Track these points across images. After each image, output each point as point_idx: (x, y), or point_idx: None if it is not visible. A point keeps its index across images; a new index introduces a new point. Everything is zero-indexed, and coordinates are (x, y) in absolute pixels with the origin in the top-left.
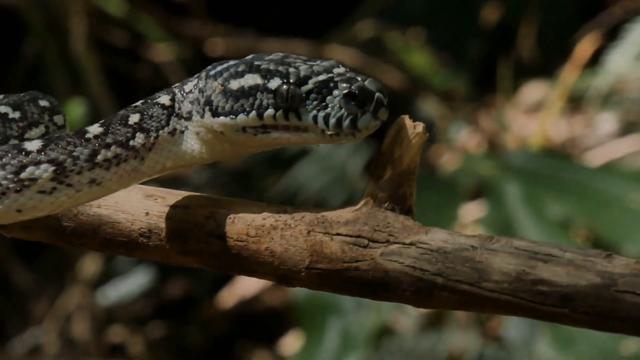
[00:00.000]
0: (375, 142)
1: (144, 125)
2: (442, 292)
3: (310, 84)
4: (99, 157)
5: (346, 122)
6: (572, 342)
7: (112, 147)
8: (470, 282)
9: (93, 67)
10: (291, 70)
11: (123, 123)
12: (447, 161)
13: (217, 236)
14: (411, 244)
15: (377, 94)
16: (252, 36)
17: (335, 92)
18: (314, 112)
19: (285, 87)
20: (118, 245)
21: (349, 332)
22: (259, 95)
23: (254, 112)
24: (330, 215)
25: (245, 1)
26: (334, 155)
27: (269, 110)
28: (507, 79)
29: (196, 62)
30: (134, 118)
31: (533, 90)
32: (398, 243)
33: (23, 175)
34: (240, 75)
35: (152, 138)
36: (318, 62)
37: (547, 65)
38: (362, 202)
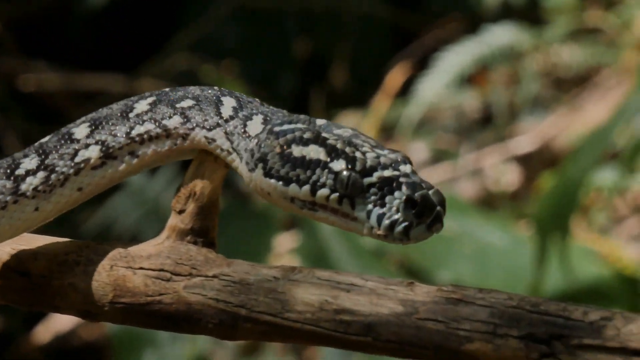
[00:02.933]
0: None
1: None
2: (245, 324)
3: (374, 177)
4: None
5: (399, 228)
6: None
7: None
8: (274, 313)
9: None
10: (358, 155)
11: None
12: None
13: (19, 273)
14: (214, 276)
15: (438, 208)
16: (66, 71)
17: (397, 194)
18: (370, 206)
19: (347, 173)
20: None
21: None
22: (318, 171)
23: (307, 187)
24: (133, 249)
25: (57, 36)
26: (147, 188)
27: (324, 190)
28: (320, 109)
29: (7, 97)
30: (187, 103)
31: (346, 120)
32: (201, 276)
33: None
34: (305, 143)
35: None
36: (386, 152)
37: (359, 95)
38: (164, 236)
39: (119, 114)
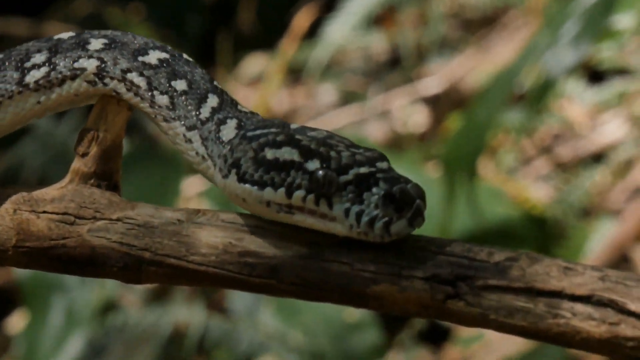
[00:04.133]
0: None
1: (176, 100)
2: (150, 267)
3: (350, 175)
4: None
5: (379, 224)
6: (296, 311)
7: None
8: (178, 256)
9: None
10: (332, 154)
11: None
12: None
13: None
14: (118, 219)
15: (418, 201)
16: None
17: (375, 190)
18: (347, 204)
19: (322, 172)
20: None
21: (74, 309)
22: (292, 172)
23: (282, 189)
24: (36, 193)
25: None
26: (55, 132)
27: (300, 191)
28: (227, 52)
29: None
30: (181, 84)
31: (253, 63)
32: (105, 219)
33: None
34: (278, 145)
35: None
36: (361, 150)
37: (267, 37)
38: (68, 179)
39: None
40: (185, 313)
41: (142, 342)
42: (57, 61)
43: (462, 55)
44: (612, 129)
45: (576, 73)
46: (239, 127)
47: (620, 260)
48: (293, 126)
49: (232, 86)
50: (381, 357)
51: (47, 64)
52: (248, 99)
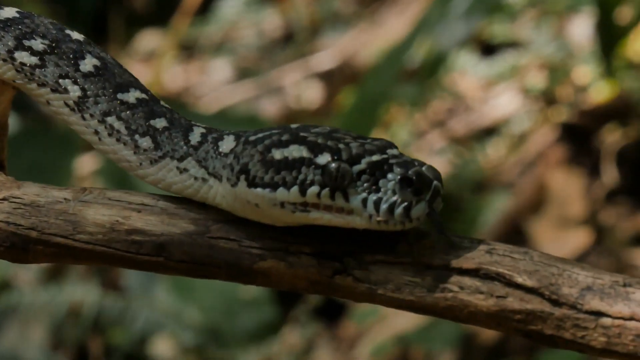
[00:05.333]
0: None
1: (158, 138)
2: (37, 246)
3: (363, 164)
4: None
5: (399, 210)
6: (192, 288)
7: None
8: (65, 234)
9: None
10: (342, 146)
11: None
12: None
13: None
14: (4, 199)
15: (435, 182)
16: None
17: (390, 176)
18: (364, 194)
19: (335, 164)
20: None
21: None
22: (304, 169)
23: (296, 188)
24: None
25: None
26: None
27: (314, 187)
28: (120, 29)
29: None
30: (160, 122)
31: (147, 40)
32: None
33: None
34: (284, 145)
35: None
36: (369, 140)
37: (159, 14)
38: None
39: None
40: (80, 291)
41: (37, 321)
42: None
43: (355, 30)
44: (504, 103)
45: (468, 47)
46: (238, 137)
47: (513, 233)
48: (293, 126)
49: (125, 63)
50: (276, 333)
51: None
52: (142, 75)
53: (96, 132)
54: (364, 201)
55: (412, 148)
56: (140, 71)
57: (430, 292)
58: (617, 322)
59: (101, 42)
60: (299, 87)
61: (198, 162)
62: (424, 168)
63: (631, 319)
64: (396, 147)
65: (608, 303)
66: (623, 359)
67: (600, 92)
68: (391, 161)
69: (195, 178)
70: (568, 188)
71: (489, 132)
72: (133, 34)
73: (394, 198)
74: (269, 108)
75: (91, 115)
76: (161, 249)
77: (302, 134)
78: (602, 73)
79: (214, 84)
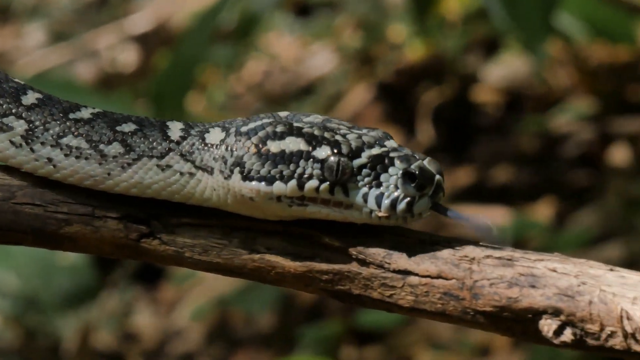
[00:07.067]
0: None
1: (129, 141)
2: None
3: (363, 158)
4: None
5: (401, 205)
6: (9, 254)
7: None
8: None
9: None
10: (339, 138)
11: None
12: None
13: None
14: None
15: (437, 177)
16: None
17: (392, 170)
18: (365, 189)
19: (335, 158)
20: None
21: None
22: (302, 162)
23: (294, 181)
24: None
25: None
26: None
27: (313, 181)
28: None
29: None
30: (128, 127)
31: None
32: None
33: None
34: (280, 136)
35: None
36: (365, 131)
37: None
38: None
39: None
40: None
41: None
42: None
43: None
44: (320, 63)
45: (284, 7)
46: (225, 128)
47: None
48: (283, 114)
49: None
50: (94, 297)
51: None
52: None
53: (49, 160)
54: (365, 196)
55: (228, 109)
56: None
57: (237, 254)
58: (424, 280)
59: None
60: (114, 50)
61: (182, 157)
62: (425, 162)
63: (438, 277)
64: (392, 138)
65: (415, 262)
66: (431, 317)
67: (415, 51)
68: (392, 154)
69: (181, 173)
70: None
71: (305, 91)
72: None
73: (397, 193)
74: (85, 72)
75: (42, 144)
76: None
77: (296, 124)
78: (417, 31)
79: (28, 49)
